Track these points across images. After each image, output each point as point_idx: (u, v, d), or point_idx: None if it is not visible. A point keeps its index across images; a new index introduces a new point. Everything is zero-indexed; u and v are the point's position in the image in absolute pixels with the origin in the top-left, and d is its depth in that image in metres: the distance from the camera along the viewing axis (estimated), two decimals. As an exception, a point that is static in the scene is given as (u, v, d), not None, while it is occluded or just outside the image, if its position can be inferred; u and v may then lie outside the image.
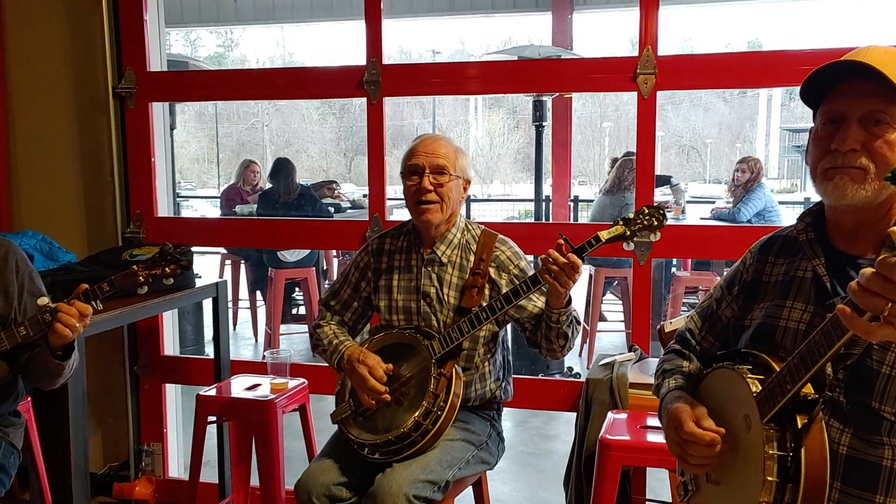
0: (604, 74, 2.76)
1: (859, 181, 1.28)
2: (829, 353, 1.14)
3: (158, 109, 3.28)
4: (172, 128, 4.67)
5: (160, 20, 3.27)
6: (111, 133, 3.19)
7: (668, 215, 5.03)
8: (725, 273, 1.61)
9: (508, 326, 2.33)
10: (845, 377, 1.26)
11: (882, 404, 1.24)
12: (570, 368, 5.08)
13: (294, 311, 6.37)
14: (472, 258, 2.21)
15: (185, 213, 11.17)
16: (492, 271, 2.19)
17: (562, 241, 1.92)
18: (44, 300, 1.93)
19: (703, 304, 1.63)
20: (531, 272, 2.10)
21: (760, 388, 1.27)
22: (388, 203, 3.06)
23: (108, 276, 1.93)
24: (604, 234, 1.95)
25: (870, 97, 1.27)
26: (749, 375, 1.31)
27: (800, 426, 1.22)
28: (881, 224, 1.32)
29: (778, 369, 1.26)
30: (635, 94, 2.68)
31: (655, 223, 1.95)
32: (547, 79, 3.00)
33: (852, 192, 1.28)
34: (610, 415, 2.38)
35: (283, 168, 5.82)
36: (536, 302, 2.17)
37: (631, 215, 1.96)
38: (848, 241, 1.36)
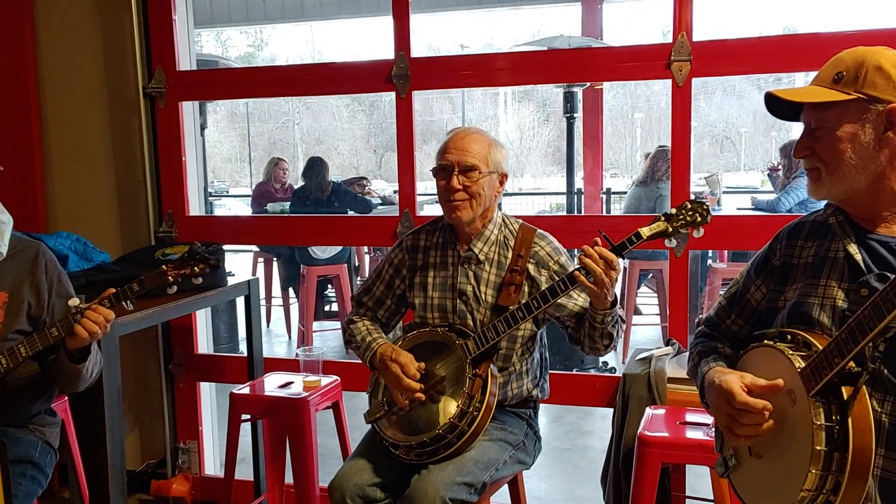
0: (637, 62, 2.69)
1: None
2: (879, 326, 1.19)
3: (188, 109, 3.29)
4: (203, 127, 4.71)
5: (189, 20, 3.28)
6: (142, 133, 3.21)
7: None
8: (751, 260, 1.65)
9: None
10: (886, 349, 1.30)
11: None
12: (605, 363, 5.02)
13: (326, 308, 6.40)
14: (509, 254, 2.14)
15: (218, 212, 11.30)
16: (530, 268, 2.12)
17: (599, 239, 1.85)
18: (75, 301, 1.93)
19: (731, 291, 1.68)
20: (571, 268, 2.01)
21: (804, 364, 1.32)
22: (419, 199, 3.04)
23: (140, 276, 1.94)
24: (645, 231, 1.86)
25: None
26: (790, 352, 1.36)
27: (845, 397, 1.26)
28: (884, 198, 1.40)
29: (818, 345, 1.33)
30: (669, 82, 2.62)
31: (699, 219, 1.83)
32: (580, 68, 2.94)
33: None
34: (648, 410, 2.33)
35: (314, 166, 5.88)
36: (577, 300, 2.10)
37: (672, 210, 1.85)
38: (869, 222, 1.43)
